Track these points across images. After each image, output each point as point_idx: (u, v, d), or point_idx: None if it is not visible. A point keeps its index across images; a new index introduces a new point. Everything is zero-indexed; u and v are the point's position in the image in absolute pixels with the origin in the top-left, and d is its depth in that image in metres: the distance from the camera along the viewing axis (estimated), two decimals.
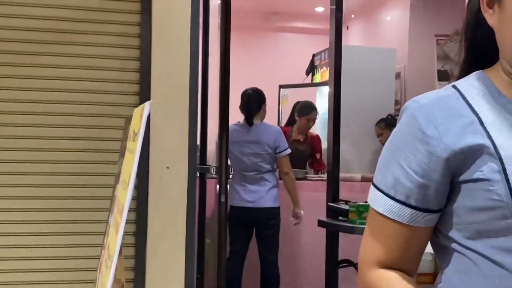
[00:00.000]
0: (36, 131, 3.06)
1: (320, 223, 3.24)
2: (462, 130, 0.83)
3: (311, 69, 4.83)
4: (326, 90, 3.91)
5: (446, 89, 0.89)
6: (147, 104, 2.46)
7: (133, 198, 3.10)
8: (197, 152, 3.34)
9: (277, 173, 3.95)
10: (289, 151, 3.91)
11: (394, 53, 4.76)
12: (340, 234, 3.27)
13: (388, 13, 5.33)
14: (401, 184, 0.86)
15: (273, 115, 5.17)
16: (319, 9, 3.93)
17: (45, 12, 3.09)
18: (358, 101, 4.35)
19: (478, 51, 0.93)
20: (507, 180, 0.80)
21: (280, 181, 3.95)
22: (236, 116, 3.90)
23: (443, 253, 0.89)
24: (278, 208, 3.81)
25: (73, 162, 3.12)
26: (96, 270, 2.73)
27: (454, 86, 0.90)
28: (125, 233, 2.84)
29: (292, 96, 5.08)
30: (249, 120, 3.83)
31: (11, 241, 3.02)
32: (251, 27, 5.82)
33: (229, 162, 3.75)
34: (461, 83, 0.90)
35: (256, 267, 3.80)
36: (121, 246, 2.37)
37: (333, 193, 3.32)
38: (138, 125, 2.50)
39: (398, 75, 5.13)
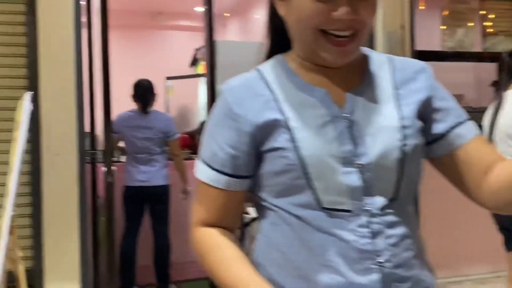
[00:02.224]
0: None
1: None
2: (261, 108, 0.86)
3: (194, 61, 4.86)
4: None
5: (251, 72, 0.92)
6: (27, 95, 2.44)
7: (28, 184, 3.07)
8: (85, 139, 3.24)
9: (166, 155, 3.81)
10: (178, 135, 3.82)
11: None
12: None
13: (258, 12, 5.18)
14: (217, 156, 0.88)
15: (161, 104, 5.09)
16: (198, 8, 3.92)
17: None
18: None
19: (279, 38, 0.94)
20: (296, 147, 0.83)
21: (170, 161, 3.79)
22: (124, 104, 3.78)
23: (259, 209, 0.93)
24: (168, 186, 3.70)
25: None
26: None
27: (257, 69, 0.91)
28: (22, 216, 2.95)
29: (177, 87, 5.12)
30: (144, 109, 3.71)
31: None
32: (139, 26, 5.80)
33: (123, 145, 3.74)
34: (263, 66, 0.92)
35: (150, 239, 3.70)
36: (16, 228, 2.34)
37: None
38: (20, 116, 2.45)
39: None
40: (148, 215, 3.71)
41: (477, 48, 4.17)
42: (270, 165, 0.86)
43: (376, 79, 0.89)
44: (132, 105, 3.74)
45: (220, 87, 0.91)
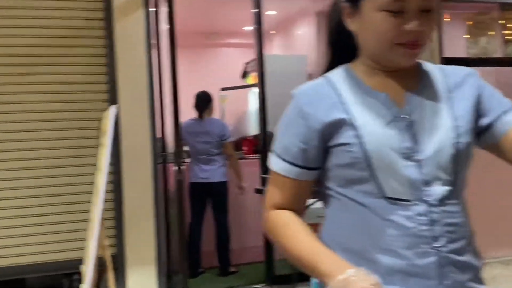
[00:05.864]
0: (34, 134, 2.99)
1: (256, 190, 3.20)
2: (329, 108, 0.86)
3: (244, 74, 4.81)
4: (256, 90, 3.63)
5: (319, 79, 0.92)
6: (113, 107, 2.50)
7: (110, 182, 3.07)
8: (158, 143, 3.23)
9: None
10: (231, 138, 3.80)
11: (305, 59, 4.62)
12: None
13: (299, 28, 5.15)
14: (290, 150, 0.88)
15: (216, 111, 4.91)
16: (247, 28, 3.87)
17: (31, 40, 2.99)
18: (280, 99, 4.13)
19: (341, 52, 0.94)
20: (361, 142, 0.82)
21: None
22: (192, 113, 3.81)
23: (324, 198, 0.92)
24: (226, 182, 3.69)
25: (63, 157, 3.04)
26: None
27: (325, 76, 0.92)
28: (106, 210, 2.84)
29: (230, 96, 5.06)
30: (200, 116, 3.76)
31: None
32: (197, 45, 5.76)
33: (187, 149, 3.74)
34: (330, 74, 0.92)
35: (212, 228, 3.71)
36: (103, 220, 2.35)
37: (263, 167, 3.29)
38: (107, 125, 2.48)
39: (310, 76, 4.80)
40: (210, 207, 3.69)
41: (499, 54, 4.07)
42: (336, 158, 0.85)
43: (430, 83, 0.89)
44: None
45: (292, 92, 0.91)
